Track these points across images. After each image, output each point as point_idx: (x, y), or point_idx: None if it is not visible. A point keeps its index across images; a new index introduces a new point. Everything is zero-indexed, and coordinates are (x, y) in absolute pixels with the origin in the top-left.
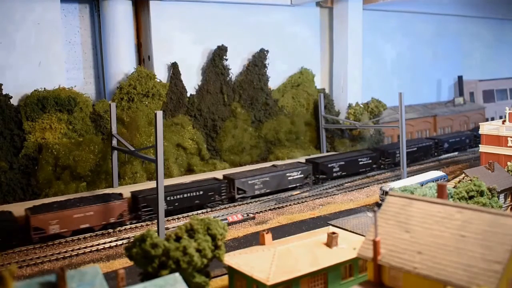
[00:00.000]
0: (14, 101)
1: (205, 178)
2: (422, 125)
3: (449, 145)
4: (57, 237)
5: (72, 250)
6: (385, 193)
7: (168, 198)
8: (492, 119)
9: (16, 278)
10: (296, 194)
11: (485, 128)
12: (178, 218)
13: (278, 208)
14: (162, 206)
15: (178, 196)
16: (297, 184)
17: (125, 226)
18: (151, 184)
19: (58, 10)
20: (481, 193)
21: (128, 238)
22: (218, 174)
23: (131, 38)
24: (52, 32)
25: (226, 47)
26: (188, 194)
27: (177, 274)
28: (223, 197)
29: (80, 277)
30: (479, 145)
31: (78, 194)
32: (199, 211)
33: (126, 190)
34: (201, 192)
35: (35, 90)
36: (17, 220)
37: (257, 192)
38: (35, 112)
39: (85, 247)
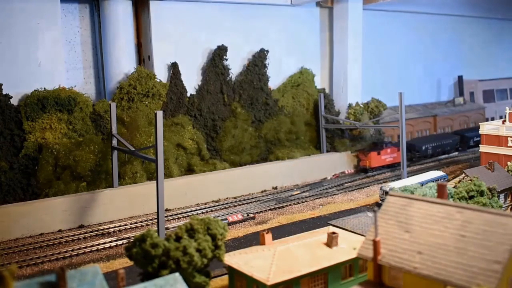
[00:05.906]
0: (14, 101)
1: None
2: (422, 125)
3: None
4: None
5: (72, 250)
6: (385, 193)
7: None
8: (492, 119)
9: (16, 278)
10: (296, 194)
11: (485, 128)
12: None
13: (278, 208)
14: (162, 205)
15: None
16: None
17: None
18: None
19: (58, 10)
20: (481, 193)
21: (128, 238)
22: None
23: (131, 38)
24: (52, 32)
25: (226, 47)
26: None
27: (177, 274)
28: None
29: (80, 277)
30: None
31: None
32: None
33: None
34: None
35: (35, 90)
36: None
37: None
38: (35, 112)
39: (85, 247)
